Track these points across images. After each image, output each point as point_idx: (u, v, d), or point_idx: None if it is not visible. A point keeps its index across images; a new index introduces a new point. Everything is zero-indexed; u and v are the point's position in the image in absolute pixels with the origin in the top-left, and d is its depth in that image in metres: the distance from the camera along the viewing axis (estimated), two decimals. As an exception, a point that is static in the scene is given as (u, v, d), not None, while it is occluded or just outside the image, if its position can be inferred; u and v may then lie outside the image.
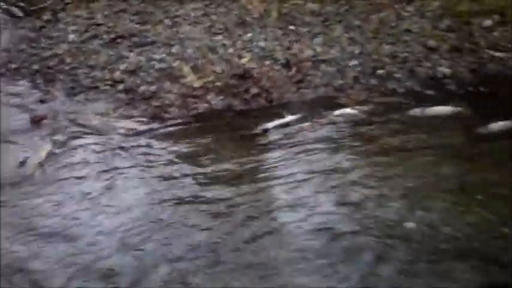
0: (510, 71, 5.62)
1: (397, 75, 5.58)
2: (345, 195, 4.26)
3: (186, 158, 4.75)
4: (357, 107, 5.20)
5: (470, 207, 4.13)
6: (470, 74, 5.58)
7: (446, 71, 5.60)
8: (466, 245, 3.84)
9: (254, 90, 5.40)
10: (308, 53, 5.85)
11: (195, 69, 5.68)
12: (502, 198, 4.17)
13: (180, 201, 4.22)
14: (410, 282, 3.59)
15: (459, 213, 4.10)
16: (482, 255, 3.76)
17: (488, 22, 6.16)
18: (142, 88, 5.59)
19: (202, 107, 5.34)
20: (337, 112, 5.15)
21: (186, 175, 4.51)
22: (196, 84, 5.49)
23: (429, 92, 5.39)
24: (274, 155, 4.74)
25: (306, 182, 4.40)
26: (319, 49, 5.90)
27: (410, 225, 4.01)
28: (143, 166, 4.67)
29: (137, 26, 6.57)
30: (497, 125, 4.84)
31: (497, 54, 5.79)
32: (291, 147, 4.81)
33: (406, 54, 5.82)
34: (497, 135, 4.78)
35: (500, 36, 6.03)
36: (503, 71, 5.62)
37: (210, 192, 4.31)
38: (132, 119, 5.30)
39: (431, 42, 5.92)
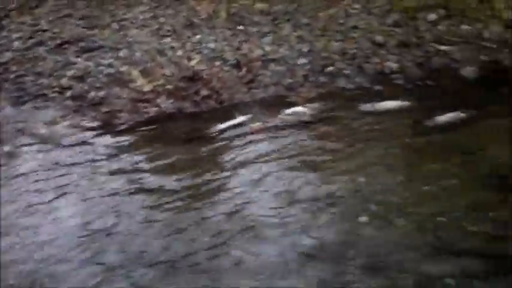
0: (455, 63, 5.72)
1: (346, 72, 5.64)
2: (297, 193, 4.26)
3: (138, 163, 4.69)
4: (308, 104, 5.23)
5: (420, 198, 4.20)
6: (417, 68, 5.68)
7: (394, 65, 5.68)
8: (419, 235, 3.91)
9: (204, 92, 5.37)
10: (258, 52, 5.85)
11: (144, 73, 5.61)
12: (450, 189, 4.26)
13: (129, 211, 4.17)
14: (372, 277, 3.63)
15: (410, 205, 4.16)
16: (435, 244, 3.83)
17: (433, 16, 6.28)
18: (91, 94, 5.50)
19: (152, 111, 5.28)
20: (288, 111, 5.16)
21: (138, 180, 4.45)
22: (146, 88, 5.42)
23: (378, 87, 5.46)
24: (226, 155, 4.71)
25: (260, 181, 4.40)
26: (268, 48, 5.90)
27: (363, 219, 4.06)
28: (93, 174, 4.59)
29: (84, 30, 6.48)
30: (444, 117, 4.93)
31: (443, 47, 5.90)
32: (243, 147, 4.79)
33: (355, 50, 5.88)
34: (444, 127, 4.87)
35: (445, 30, 6.15)
36: (449, 64, 5.72)
37: (163, 198, 4.28)
38: (82, 127, 5.20)
39: (379, 38, 6.00)
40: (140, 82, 5.48)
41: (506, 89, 5.33)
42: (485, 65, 5.73)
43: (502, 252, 3.75)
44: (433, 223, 4.00)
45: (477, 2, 6.44)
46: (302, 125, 5.02)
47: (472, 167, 4.45)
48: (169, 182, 4.41)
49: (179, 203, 4.19)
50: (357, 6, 6.48)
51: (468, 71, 5.59)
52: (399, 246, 3.85)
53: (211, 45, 5.92)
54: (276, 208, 4.14)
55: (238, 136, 4.94)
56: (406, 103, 5.18)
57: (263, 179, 4.44)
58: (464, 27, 6.18)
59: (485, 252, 3.78)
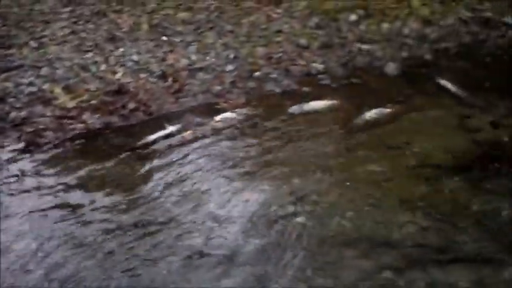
0: (378, 61, 5.86)
1: (274, 76, 5.66)
2: (230, 200, 4.25)
3: (66, 183, 4.54)
4: (237, 110, 5.21)
5: (354, 197, 4.26)
6: (342, 68, 5.77)
7: (320, 67, 5.75)
8: (354, 233, 3.96)
9: (132, 105, 5.26)
10: (183, 62, 5.80)
11: (67, 89, 5.45)
12: (382, 183, 4.34)
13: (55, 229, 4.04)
14: (311, 275, 3.66)
15: (345, 204, 4.20)
16: (369, 240, 3.89)
17: (353, 17, 6.42)
18: (13, 115, 5.28)
19: (79, 127, 5.12)
20: (218, 117, 5.13)
21: (64, 198, 4.32)
22: (70, 104, 5.26)
23: (305, 88, 5.51)
24: (158, 167, 4.63)
25: (194, 191, 4.34)
26: (194, 57, 5.86)
27: (299, 219, 4.08)
28: (21, 195, 4.41)
29: (1, 50, 6.23)
30: (370, 114, 5.03)
31: (365, 46, 6.02)
32: (174, 157, 4.72)
33: (280, 54, 5.92)
34: (372, 123, 4.97)
35: (366, 29, 6.29)
36: (372, 62, 5.85)
37: (95, 215, 4.16)
38: (5, 148, 4.99)
39: (303, 41, 6.06)
40: (64, 99, 5.31)
41: (428, 83, 5.51)
42: (407, 61, 5.89)
43: (435, 242, 3.86)
44: (368, 218, 4.07)
45: (395, 0, 6.62)
46: (233, 130, 4.99)
47: (400, 160, 4.55)
48: (99, 198, 4.29)
49: (110, 219, 4.09)
50: (278, 11, 6.54)
51: (391, 68, 5.72)
52: (336, 243, 3.89)
53: (135, 57, 5.82)
54: (210, 216, 4.11)
55: (169, 146, 4.87)
56: (333, 102, 5.25)
57: (197, 188, 4.39)
58: (385, 25, 6.34)
59: (420, 242, 3.88)
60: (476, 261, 3.72)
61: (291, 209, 4.17)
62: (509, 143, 4.71)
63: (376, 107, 5.11)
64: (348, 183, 4.38)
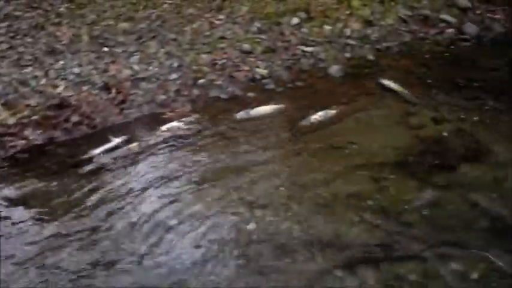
0: (322, 63, 5.90)
1: (218, 82, 5.63)
2: (180, 209, 4.22)
3: (10, 202, 4.41)
4: (183, 119, 5.17)
5: (303, 199, 4.29)
6: (287, 71, 5.79)
7: (264, 71, 5.76)
8: (304, 235, 3.98)
9: (75, 118, 5.15)
10: (126, 72, 5.71)
11: (6, 105, 5.27)
12: (331, 184, 4.38)
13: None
14: (263, 279, 3.68)
15: (294, 207, 4.23)
16: (319, 242, 3.91)
17: (295, 20, 6.45)
18: (-51, 135, 5.10)
19: (20, 144, 4.97)
20: (163, 127, 5.07)
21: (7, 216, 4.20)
22: (10, 121, 5.10)
23: (251, 94, 5.50)
24: (104, 180, 4.55)
25: (142, 203, 4.29)
26: (137, 67, 5.78)
27: (251, 226, 4.07)
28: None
29: None
30: (316, 116, 5.06)
31: (308, 49, 6.07)
32: (121, 170, 4.65)
33: (224, 60, 5.89)
34: (317, 125, 5.00)
35: (309, 32, 6.33)
36: (316, 64, 5.89)
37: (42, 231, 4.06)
38: None
39: (246, 46, 6.06)
40: (3, 116, 5.15)
41: (371, 83, 5.58)
42: (350, 61, 5.97)
43: (383, 239, 3.92)
44: (317, 219, 4.10)
45: (336, 2, 6.69)
46: (179, 140, 4.95)
47: (346, 160, 4.60)
48: (42, 214, 4.19)
49: (55, 236, 4.00)
50: (220, 17, 6.52)
51: (334, 69, 5.78)
52: (288, 247, 3.90)
53: (77, 70, 5.69)
54: (158, 227, 4.06)
55: (115, 159, 4.78)
56: (279, 106, 5.27)
57: (144, 200, 4.34)
58: (327, 27, 6.40)
59: (368, 240, 3.92)
60: (423, 255, 3.80)
61: (240, 216, 4.16)
62: (451, 137, 4.82)
63: (321, 108, 5.15)
64: (296, 185, 4.41)
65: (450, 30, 6.42)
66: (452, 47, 6.18)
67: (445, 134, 4.86)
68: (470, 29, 6.40)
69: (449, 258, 3.74)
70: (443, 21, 6.56)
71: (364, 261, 3.77)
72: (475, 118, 5.03)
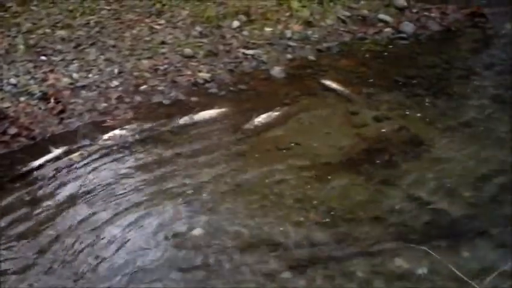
0: (264, 65, 5.93)
1: (161, 88, 5.57)
2: (125, 217, 4.16)
3: None
4: (126, 126, 5.08)
5: (250, 202, 4.29)
6: (229, 74, 5.79)
7: (206, 75, 5.73)
8: (252, 238, 3.98)
9: (13, 130, 4.99)
10: (65, 81, 5.58)
11: None
12: (277, 186, 4.40)
13: None
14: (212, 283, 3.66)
15: (240, 210, 4.23)
16: (267, 244, 3.92)
17: (236, 23, 6.46)
18: None
19: (-45, 160, 4.80)
20: (106, 136, 4.97)
21: None
22: None
23: (194, 98, 5.46)
24: (46, 192, 4.43)
25: (87, 216, 4.19)
26: (76, 75, 5.66)
27: (197, 231, 4.04)
28: None
29: None
30: (260, 118, 5.07)
31: (250, 51, 6.08)
32: (63, 181, 4.54)
33: (166, 66, 5.85)
34: (261, 127, 5.01)
35: (250, 34, 6.35)
36: (258, 67, 5.91)
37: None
38: None
39: (188, 51, 6.02)
40: None
41: (313, 83, 5.64)
42: (292, 63, 6.01)
43: (331, 238, 3.96)
44: (264, 221, 4.11)
45: (276, 4, 6.74)
46: (122, 147, 4.86)
47: (291, 161, 4.63)
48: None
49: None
50: (161, 22, 6.47)
51: (277, 71, 5.81)
52: (236, 250, 3.89)
53: (13, 80, 5.52)
54: (103, 238, 3.99)
55: (56, 170, 4.66)
56: (222, 110, 5.25)
57: (88, 211, 4.24)
58: (267, 29, 6.44)
59: (316, 240, 3.95)
60: (371, 252, 3.86)
61: (187, 222, 4.13)
62: (392, 135, 4.91)
63: (264, 110, 5.17)
64: (243, 188, 4.41)
65: (388, 29, 6.56)
66: (391, 45, 6.31)
67: (386, 131, 4.95)
68: (408, 27, 6.54)
69: (395, 254, 3.81)
70: (381, 20, 6.70)
71: (312, 261, 3.79)
72: (415, 115, 5.14)
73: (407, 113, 5.18)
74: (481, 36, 6.49)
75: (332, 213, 4.17)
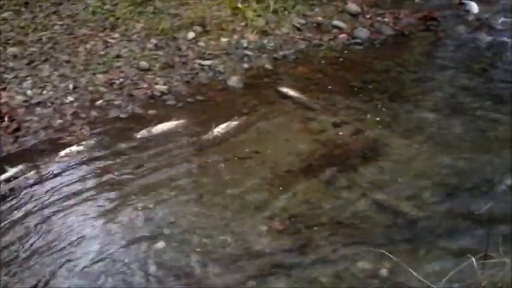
0: (221, 75, 5.91)
1: (117, 102, 5.50)
2: (82, 231, 4.13)
3: None
4: (83, 142, 5.00)
5: (212, 213, 4.28)
6: (186, 86, 5.74)
7: (163, 88, 5.68)
8: (215, 248, 3.97)
9: (-35, 151, 4.87)
10: (19, 98, 5.46)
11: None
12: (239, 196, 4.40)
13: None
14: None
15: (203, 221, 4.20)
16: (231, 254, 3.92)
17: (191, 34, 6.42)
18: None
19: None
20: (62, 153, 4.88)
21: None
22: None
23: (151, 111, 5.40)
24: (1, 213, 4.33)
25: (45, 235, 4.11)
26: (30, 92, 5.55)
27: (160, 245, 4.00)
28: None
29: None
30: (218, 129, 5.05)
31: (206, 62, 6.06)
32: (20, 201, 4.43)
33: (122, 79, 5.77)
34: (221, 138, 5.00)
35: (206, 45, 6.33)
36: (215, 77, 5.89)
37: None
38: None
39: (143, 63, 5.97)
40: None
41: (271, 92, 5.66)
42: (249, 72, 6.01)
43: (294, 245, 3.97)
44: (227, 231, 4.10)
45: (231, 14, 6.74)
46: (80, 164, 4.79)
47: (252, 170, 4.63)
48: None
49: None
50: (115, 35, 6.39)
51: (234, 81, 5.80)
52: (199, 262, 3.87)
53: (-37, 100, 5.41)
54: (62, 256, 3.92)
55: (12, 190, 4.55)
56: (181, 122, 5.22)
57: (48, 229, 4.16)
58: (223, 39, 6.42)
59: (280, 248, 3.96)
60: (333, 257, 3.88)
61: (150, 235, 4.09)
62: (351, 139, 4.96)
63: (223, 121, 5.15)
64: (204, 200, 4.39)
65: (343, 35, 6.62)
66: (346, 51, 6.36)
67: (345, 136, 5.00)
68: (362, 33, 6.62)
69: (358, 257, 3.85)
70: (336, 27, 6.76)
71: (276, 269, 3.80)
72: (371, 119, 5.21)
73: (365, 117, 5.24)
74: (433, 40, 6.61)
75: (294, 220, 4.19)
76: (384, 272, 3.67)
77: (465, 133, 4.98)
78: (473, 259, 2.20)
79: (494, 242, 2.70)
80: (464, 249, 3.39)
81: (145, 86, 5.71)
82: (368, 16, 6.95)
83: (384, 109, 5.34)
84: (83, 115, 5.36)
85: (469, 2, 7.09)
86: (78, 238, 4.09)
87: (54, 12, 6.87)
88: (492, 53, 6.25)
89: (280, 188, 4.45)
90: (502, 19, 6.81)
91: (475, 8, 7.01)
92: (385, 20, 6.89)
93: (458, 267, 2.31)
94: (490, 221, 3.49)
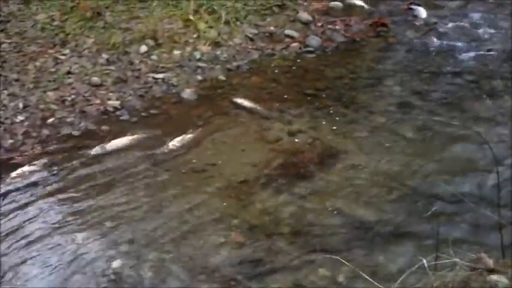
0: (175, 88, 5.87)
1: (69, 119, 5.40)
2: (41, 255, 4.05)
3: None
4: (35, 162, 4.89)
5: (170, 228, 4.24)
6: (140, 100, 5.68)
7: (116, 103, 5.60)
8: (173, 264, 3.94)
9: None
10: (-35, 120, 5.34)
11: None
12: (195, 213, 4.37)
13: None
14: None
15: (160, 236, 4.16)
16: (189, 269, 3.90)
17: (144, 48, 6.36)
18: None
19: None
20: (13, 174, 4.77)
21: None
22: None
23: (105, 127, 5.32)
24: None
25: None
26: (-23, 114, 5.43)
27: (117, 263, 3.94)
28: None
29: None
30: (174, 142, 5.02)
31: (159, 75, 6.01)
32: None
33: (73, 96, 5.68)
34: (176, 151, 4.97)
35: (158, 58, 6.28)
36: (169, 90, 5.84)
37: None
38: None
39: (95, 79, 5.88)
40: None
41: (225, 103, 5.65)
42: (202, 84, 5.98)
43: (252, 256, 3.96)
44: (186, 246, 4.07)
45: (183, 26, 6.71)
46: (32, 185, 4.67)
47: (208, 183, 4.61)
48: None
49: None
50: (65, 52, 6.29)
51: (188, 93, 5.76)
52: (158, 278, 3.84)
53: None
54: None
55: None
56: (135, 137, 5.16)
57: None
58: (176, 52, 6.38)
59: (237, 260, 3.95)
60: (291, 266, 3.89)
61: (104, 254, 4.03)
62: (306, 147, 4.98)
63: (178, 134, 5.12)
64: (162, 215, 4.35)
65: (295, 44, 6.66)
66: (299, 60, 6.40)
67: (300, 144, 5.02)
68: (314, 41, 6.67)
69: (317, 265, 3.86)
70: (288, 36, 6.79)
71: (234, 282, 3.78)
72: (326, 126, 5.25)
73: (319, 125, 5.28)
74: (384, 45, 6.70)
75: (253, 231, 4.18)
76: (342, 278, 3.70)
77: (417, 137, 5.06)
78: (425, 261, 2.22)
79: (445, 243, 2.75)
80: (417, 252, 3.46)
81: (97, 101, 5.63)
82: (319, 24, 7.01)
83: (337, 116, 5.38)
84: (34, 134, 5.25)
85: (417, 7, 7.24)
86: (28, 258, 4.01)
87: (2, 30, 6.73)
88: (441, 57, 6.37)
89: (238, 199, 4.45)
90: (451, 23, 6.96)
91: (423, 13, 7.15)
92: (336, 27, 6.95)
93: (410, 269, 2.33)
94: (439, 222, 3.55)
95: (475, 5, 7.41)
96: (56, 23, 6.80)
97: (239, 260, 3.95)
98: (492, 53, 6.32)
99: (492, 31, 6.76)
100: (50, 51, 6.32)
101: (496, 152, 3.83)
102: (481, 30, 6.78)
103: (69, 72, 6.01)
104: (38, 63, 6.13)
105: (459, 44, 6.56)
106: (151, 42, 6.44)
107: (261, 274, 3.84)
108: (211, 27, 6.72)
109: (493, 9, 7.26)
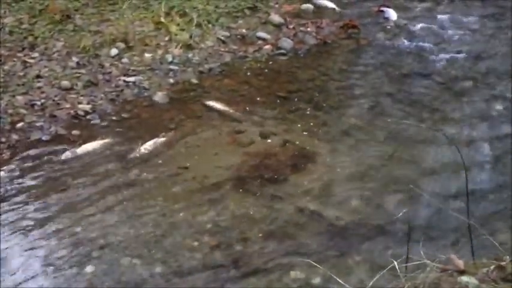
0: (146, 91, 5.82)
1: (39, 124, 5.32)
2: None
3: None
4: (4, 168, 4.81)
5: (142, 232, 4.20)
6: (111, 104, 5.62)
7: (87, 107, 5.54)
8: (146, 270, 3.92)
9: None
10: None
11: None
12: (168, 217, 4.34)
13: None
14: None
15: (133, 242, 4.13)
16: (162, 275, 3.88)
17: (114, 51, 6.30)
18: None
19: None
20: (-18, 180, 4.69)
21: None
22: None
23: (76, 131, 5.25)
24: None
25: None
26: None
27: (89, 269, 3.92)
28: None
29: None
30: (146, 146, 4.99)
31: (130, 78, 5.95)
32: None
33: (43, 100, 5.59)
34: (148, 155, 4.93)
35: (129, 61, 6.22)
36: (140, 94, 5.79)
37: None
38: None
39: (65, 83, 5.80)
40: None
41: (197, 106, 5.63)
42: (174, 87, 5.95)
43: (225, 259, 3.95)
44: (158, 251, 4.05)
45: (154, 29, 6.67)
46: (2, 191, 4.60)
47: (181, 187, 4.59)
48: None
49: None
50: (34, 55, 6.19)
51: (159, 96, 5.72)
52: (131, 284, 3.81)
53: None
54: None
55: None
56: (106, 141, 5.11)
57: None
58: (147, 55, 6.33)
59: (211, 263, 3.94)
60: (266, 267, 3.90)
61: (77, 260, 3.98)
62: (279, 150, 4.99)
63: (150, 138, 5.09)
64: (134, 219, 4.32)
65: (267, 46, 6.67)
66: (271, 62, 6.40)
67: (273, 147, 5.03)
68: (286, 43, 6.69)
69: (291, 267, 3.87)
70: (260, 38, 6.79)
71: (208, 285, 3.76)
72: (298, 128, 5.26)
73: (291, 127, 5.29)
74: (355, 47, 6.75)
75: (226, 234, 4.17)
76: (316, 281, 3.71)
77: (388, 138, 5.11)
78: (395, 263, 2.24)
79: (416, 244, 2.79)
80: (389, 254, 3.49)
81: (68, 106, 5.55)
82: (291, 26, 7.03)
83: (310, 118, 5.40)
84: (3, 139, 5.15)
85: (387, 9, 7.30)
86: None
87: (-31, 34, 6.62)
88: (412, 58, 6.43)
89: (211, 202, 4.43)
90: (420, 25, 7.04)
91: (393, 15, 7.21)
92: (308, 29, 6.98)
93: (381, 272, 2.35)
94: (409, 224, 3.58)
95: (444, 7, 7.51)
96: (24, 26, 6.68)
97: (212, 263, 3.94)
98: (461, 54, 6.41)
99: (461, 32, 6.86)
100: (19, 54, 6.21)
101: (464, 153, 3.88)
102: (450, 32, 6.88)
103: (38, 76, 5.92)
104: (6, 67, 6.02)
105: (429, 45, 6.63)
106: (122, 45, 6.38)
107: (235, 277, 3.83)
108: (182, 29, 6.69)
109: (462, 10, 7.36)
